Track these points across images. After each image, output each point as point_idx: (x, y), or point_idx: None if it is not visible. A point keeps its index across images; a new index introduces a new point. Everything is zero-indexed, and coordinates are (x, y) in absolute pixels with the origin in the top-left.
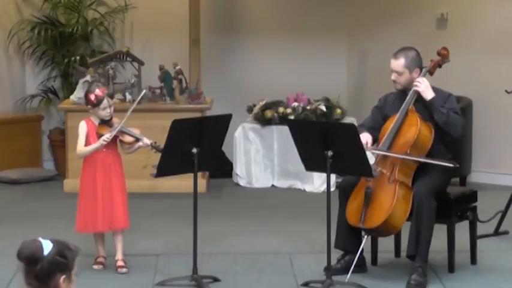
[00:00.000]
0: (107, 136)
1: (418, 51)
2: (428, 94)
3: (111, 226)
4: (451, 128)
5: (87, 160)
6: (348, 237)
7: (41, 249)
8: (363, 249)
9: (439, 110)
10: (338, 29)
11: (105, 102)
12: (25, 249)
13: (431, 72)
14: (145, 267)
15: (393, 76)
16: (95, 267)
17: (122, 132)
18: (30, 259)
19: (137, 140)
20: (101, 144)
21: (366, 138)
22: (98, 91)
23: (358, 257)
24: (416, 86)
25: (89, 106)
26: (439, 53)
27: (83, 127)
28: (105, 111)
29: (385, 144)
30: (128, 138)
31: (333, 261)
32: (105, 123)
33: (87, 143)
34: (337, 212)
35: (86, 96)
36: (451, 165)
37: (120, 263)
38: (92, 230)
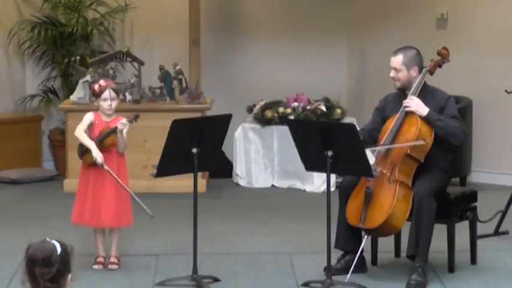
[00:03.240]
0: (98, 156)
1: (418, 51)
2: (423, 111)
3: (98, 222)
4: (451, 138)
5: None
6: (348, 237)
7: (56, 250)
8: (363, 249)
9: (437, 124)
10: (338, 28)
11: (106, 93)
12: (39, 252)
13: (431, 72)
14: (145, 267)
15: (392, 73)
16: (95, 267)
17: (99, 142)
18: (47, 261)
19: (114, 132)
20: (96, 153)
21: None
22: (101, 81)
23: (358, 257)
24: (406, 107)
25: (93, 98)
26: (439, 53)
27: (89, 116)
28: (105, 103)
29: (384, 144)
30: (109, 140)
31: (333, 261)
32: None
33: (91, 134)
34: (337, 212)
35: (91, 87)
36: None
37: (112, 260)
38: (80, 222)
